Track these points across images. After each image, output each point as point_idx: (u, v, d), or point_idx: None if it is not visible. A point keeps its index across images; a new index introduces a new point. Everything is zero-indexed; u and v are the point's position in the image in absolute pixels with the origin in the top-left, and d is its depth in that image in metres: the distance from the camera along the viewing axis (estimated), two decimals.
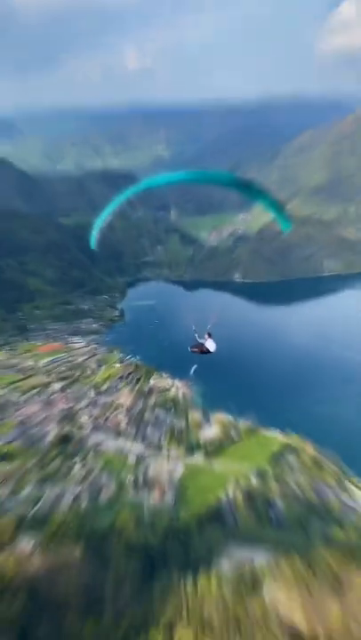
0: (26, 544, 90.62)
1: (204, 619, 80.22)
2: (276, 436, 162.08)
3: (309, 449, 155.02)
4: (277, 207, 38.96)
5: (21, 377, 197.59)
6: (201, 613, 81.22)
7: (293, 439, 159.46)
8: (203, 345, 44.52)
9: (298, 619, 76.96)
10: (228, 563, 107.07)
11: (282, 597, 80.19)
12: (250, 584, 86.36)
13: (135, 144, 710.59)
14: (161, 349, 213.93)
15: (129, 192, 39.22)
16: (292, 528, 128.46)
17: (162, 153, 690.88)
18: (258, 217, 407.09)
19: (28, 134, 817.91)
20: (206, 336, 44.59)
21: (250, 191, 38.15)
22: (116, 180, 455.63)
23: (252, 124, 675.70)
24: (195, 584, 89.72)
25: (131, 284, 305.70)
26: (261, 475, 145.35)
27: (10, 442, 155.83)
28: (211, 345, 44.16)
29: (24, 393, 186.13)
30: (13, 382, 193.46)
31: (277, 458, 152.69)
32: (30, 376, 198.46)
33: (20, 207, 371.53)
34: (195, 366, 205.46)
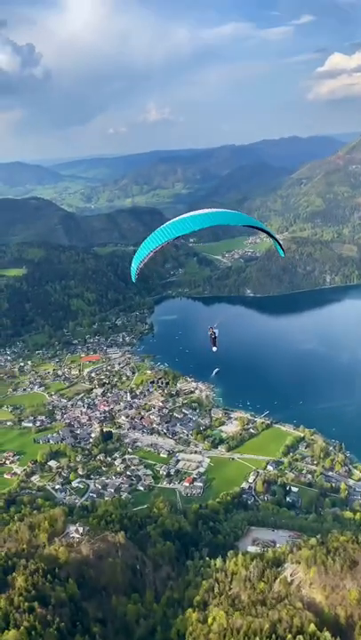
0: (75, 532, 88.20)
1: (233, 596, 76.62)
2: (289, 430, 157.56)
3: (319, 441, 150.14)
4: (276, 240, 44.94)
5: (67, 385, 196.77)
6: (230, 592, 77.64)
7: (305, 432, 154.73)
8: (213, 338, 52.09)
9: (318, 596, 72.96)
10: (253, 544, 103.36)
11: (302, 576, 76.17)
12: (272, 564, 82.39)
13: (158, 184, 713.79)
14: (185, 356, 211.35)
15: (161, 240, 38.18)
16: (308, 512, 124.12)
17: (181, 190, 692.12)
18: (264, 241, 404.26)
19: (68, 180, 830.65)
20: (212, 331, 48.30)
21: (261, 229, 43.03)
22: (143, 216, 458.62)
23: (257, 162, 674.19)
24: (223, 564, 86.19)
25: (157, 302, 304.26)
26: (278, 465, 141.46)
27: (60, 441, 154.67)
28: (215, 332, 52.30)
29: (70, 399, 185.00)
30: (61, 389, 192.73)
31: (291, 449, 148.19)
32: (75, 384, 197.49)
33: (64, 241, 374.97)
34: (217, 369, 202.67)
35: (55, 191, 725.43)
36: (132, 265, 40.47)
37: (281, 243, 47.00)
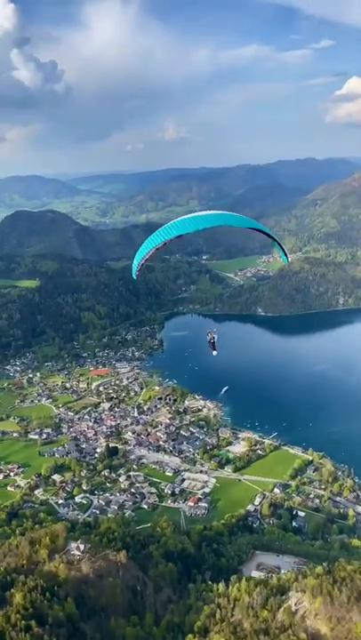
0: (76, 549, 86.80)
1: (235, 624, 74.46)
2: (297, 453, 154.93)
3: (328, 465, 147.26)
4: (281, 246, 44.97)
5: (75, 398, 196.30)
6: (232, 619, 75.49)
7: (313, 456, 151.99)
8: (212, 342, 52.08)
9: (323, 628, 70.59)
10: (257, 570, 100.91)
11: (307, 606, 73.87)
12: (277, 591, 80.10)
13: (172, 200, 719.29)
14: (194, 374, 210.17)
15: (164, 235, 38.39)
16: (314, 537, 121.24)
17: (195, 208, 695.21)
18: (277, 259, 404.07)
19: (84, 194, 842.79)
20: (211, 336, 47.31)
21: (264, 232, 42.32)
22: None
23: (272, 182, 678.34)
24: (226, 589, 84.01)
25: (168, 318, 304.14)
26: (285, 488, 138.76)
27: (65, 455, 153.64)
28: (215, 338, 52.27)
29: (77, 412, 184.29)
30: (68, 402, 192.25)
31: (299, 473, 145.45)
32: (83, 397, 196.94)
33: (78, 254, 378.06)
34: (226, 387, 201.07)
35: (71, 205, 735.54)
36: (134, 261, 40.82)
37: (285, 249, 46.82)
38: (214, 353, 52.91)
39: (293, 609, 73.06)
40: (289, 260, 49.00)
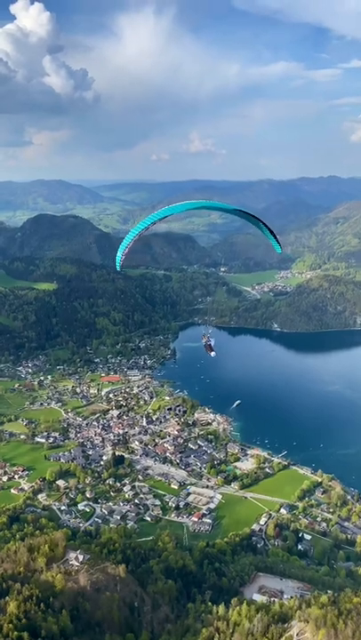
0: (74, 560, 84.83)
1: None
2: (306, 474, 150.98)
3: (337, 487, 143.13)
4: (272, 235, 42.61)
5: (85, 403, 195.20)
6: None
7: (323, 478, 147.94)
8: (208, 345, 51.66)
9: None
10: (259, 593, 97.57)
11: (310, 637, 70.61)
12: (278, 619, 76.92)
13: (194, 212, 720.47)
14: (205, 386, 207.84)
15: (149, 221, 37.55)
16: (320, 563, 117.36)
17: (216, 220, 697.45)
18: (296, 276, 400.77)
19: (107, 201, 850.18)
20: (206, 339, 47.22)
21: (253, 221, 41.01)
22: (177, 241, 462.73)
23: (294, 198, 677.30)
24: (226, 612, 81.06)
25: (183, 328, 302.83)
26: (292, 509, 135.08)
27: (71, 460, 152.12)
28: (211, 340, 52.20)
29: (85, 418, 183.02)
30: (78, 407, 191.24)
31: (307, 494, 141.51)
32: (92, 403, 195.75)
33: (96, 259, 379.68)
34: (238, 401, 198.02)
35: (94, 211, 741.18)
36: (118, 253, 39.85)
37: (278, 239, 44.62)
38: (212, 354, 52.02)
39: (295, 639, 69.87)
40: (282, 249, 48.53)
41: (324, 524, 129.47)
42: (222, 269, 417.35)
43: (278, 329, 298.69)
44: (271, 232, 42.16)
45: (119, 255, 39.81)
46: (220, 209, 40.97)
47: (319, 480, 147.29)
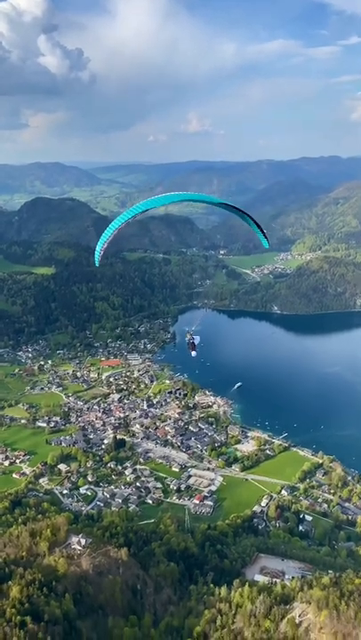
0: (77, 544, 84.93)
1: (237, 632, 71.89)
2: (307, 455, 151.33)
3: (338, 469, 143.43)
4: (259, 230, 40.91)
5: (85, 387, 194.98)
6: (233, 626, 72.91)
7: (323, 459, 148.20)
8: (192, 343, 50.05)
9: None
10: (261, 575, 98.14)
11: (312, 619, 70.93)
12: (280, 600, 77.25)
13: (192, 193, 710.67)
14: (205, 369, 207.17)
15: (129, 215, 35.87)
16: (320, 544, 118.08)
17: None
18: (296, 258, 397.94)
19: (104, 184, 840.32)
20: (190, 336, 45.45)
21: (241, 215, 39.33)
22: (175, 224, 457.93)
23: (295, 178, 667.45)
24: (228, 594, 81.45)
25: (182, 311, 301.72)
26: (293, 491, 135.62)
27: (72, 444, 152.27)
28: (196, 339, 50.36)
29: (86, 402, 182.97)
30: (78, 392, 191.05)
31: (308, 475, 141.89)
32: (93, 387, 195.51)
33: (94, 243, 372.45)
34: (239, 383, 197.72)
35: (91, 194, 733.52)
36: (97, 248, 38.31)
37: (265, 232, 42.74)
38: (193, 354, 50.44)
39: (297, 620, 70.26)
40: (269, 243, 44.56)
41: (325, 505, 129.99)
42: (222, 252, 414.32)
43: (278, 311, 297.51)
44: (258, 226, 40.55)
45: (98, 251, 38.16)
46: (205, 202, 39.15)
47: (320, 461, 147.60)
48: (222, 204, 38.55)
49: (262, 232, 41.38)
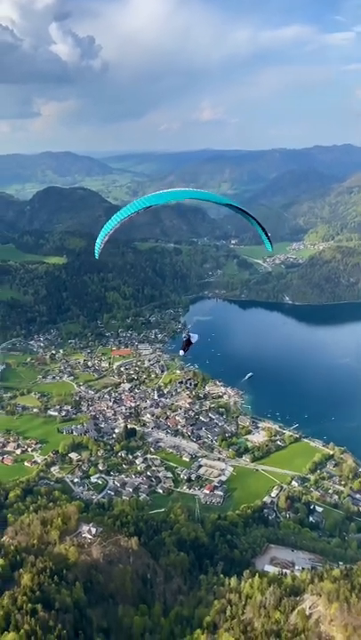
0: (87, 532, 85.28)
1: (246, 622, 71.75)
2: (318, 447, 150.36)
3: (349, 460, 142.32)
4: (263, 232, 39.02)
5: (96, 377, 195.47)
6: (243, 617, 72.79)
7: (334, 450, 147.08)
8: (187, 340, 44.28)
9: (338, 635, 67.14)
10: (271, 565, 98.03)
11: (322, 611, 70.48)
12: (291, 592, 76.93)
13: (204, 182, 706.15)
14: (216, 359, 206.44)
15: (132, 209, 34.57)
16: (331, 535, 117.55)
17: (227, 191, 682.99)
18: (308, 247, 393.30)
19: (116, 173, 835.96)
20: (187, 334, 42.57)
21: (247, 218, 37.31)
22: (186, 213, 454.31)
23: (307, 167, 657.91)
24: (238, 584, 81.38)
25: (193, 301, 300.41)
26: (303, 482, 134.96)
27: (83, 433, 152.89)
28: (193, 337, 42.45)
29: (97, 391, 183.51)
30: (90, 381, 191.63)
31: (319, 466, 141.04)
32: (104, 376, 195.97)
33: None
34: (250, 373, 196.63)
35: (102, 183, 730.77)
36: (97, 240, 36.74)
37: (269, 235, 39.67)
38: (181, 352, 48.18)
39: (307, 612, 69.83)
40: (273, 247, 40.94)
41: (335, 497, 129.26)
42: (233, 242, 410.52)
43: (290, 302, 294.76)
44: (262, 228, 38.69)
45: (98, 243, 36.88)
46: (210, 200, 37.28)
47: (331, 453, 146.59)
48: (227, 205, 36.52)
49: (266, 234, 39.40)
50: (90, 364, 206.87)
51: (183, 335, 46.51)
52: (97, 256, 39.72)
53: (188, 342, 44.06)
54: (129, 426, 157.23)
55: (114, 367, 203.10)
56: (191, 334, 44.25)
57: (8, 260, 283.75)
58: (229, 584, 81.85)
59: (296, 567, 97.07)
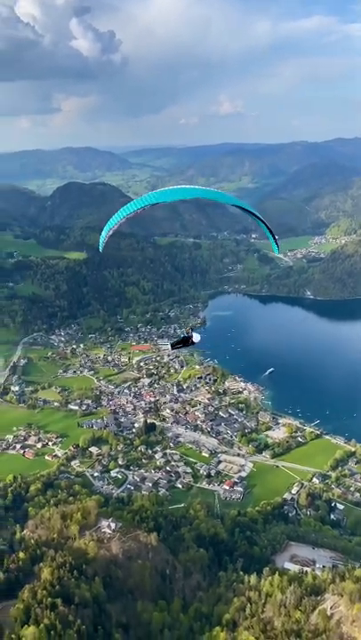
0: (107, 527, 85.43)
1: (266, 621, 70.95)
2: (339, 444, 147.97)
3: None
4: (271, 234, 37.43)
5: (116, 371, 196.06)
6: (263, 615, 71.98)
7: (356, 447, 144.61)
8: (187, 339, 40.82)
9: (360, 636, 65.84)
10: (291, 563, 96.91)
11: (344, 611, 69.23)
12: (311, 591, 75.80)
13: (224, 176, 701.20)
14: (236, 355, 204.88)
15: (135, 206, 33.59)
16: (353, 533, 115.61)
17: (247, 184, 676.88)
18: (330, 242, 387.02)
19: (136, 168, 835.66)
20: (189, 331, 40.36)
21: (254, 218, 35.85)
22: (206, 208, 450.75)
23: (329, 160, 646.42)
24: (258, 582, 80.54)
25: (212, 296, 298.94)
26: (324, 479, 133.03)
27: (103, 427, 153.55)
28: (196, 337, 40.21)
29: (117, 385, 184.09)
30: (109, 375, 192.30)
31: (340, 464, 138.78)
32: (123, 371, 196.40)
33: (125, 228, 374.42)
34: (272, 369, 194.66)
35: (122, 178, 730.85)
36: (102, 233, 35.84)
37: (276, 237, 38.33)
38: (168, 347, 46.15)
39: (329, 612, 68.67)
40: (279, 249, 39.86)
41: (357, 494, 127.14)
42: (253, 236, 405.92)
43: (311, 296, 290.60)
44: (270, 230, 37.09)
45: (103, 236, 36.04)
46: (218, 200, 35.92)
47: (353, 450, 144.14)
48: (235, 205, 35.19)
49: (273, 237, 37.83)
50: (110, 358, 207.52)
51: (186, 331, 44.73)
52: (101, 249, 38.96)
53: (186, 341, 41.44)
54: (148, 420, 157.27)
55: (133, 362, 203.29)
56: (194, 334, 41.92)
57: (29, 256, 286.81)
58: (249, 581, 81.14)
59: (317, 565, 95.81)
